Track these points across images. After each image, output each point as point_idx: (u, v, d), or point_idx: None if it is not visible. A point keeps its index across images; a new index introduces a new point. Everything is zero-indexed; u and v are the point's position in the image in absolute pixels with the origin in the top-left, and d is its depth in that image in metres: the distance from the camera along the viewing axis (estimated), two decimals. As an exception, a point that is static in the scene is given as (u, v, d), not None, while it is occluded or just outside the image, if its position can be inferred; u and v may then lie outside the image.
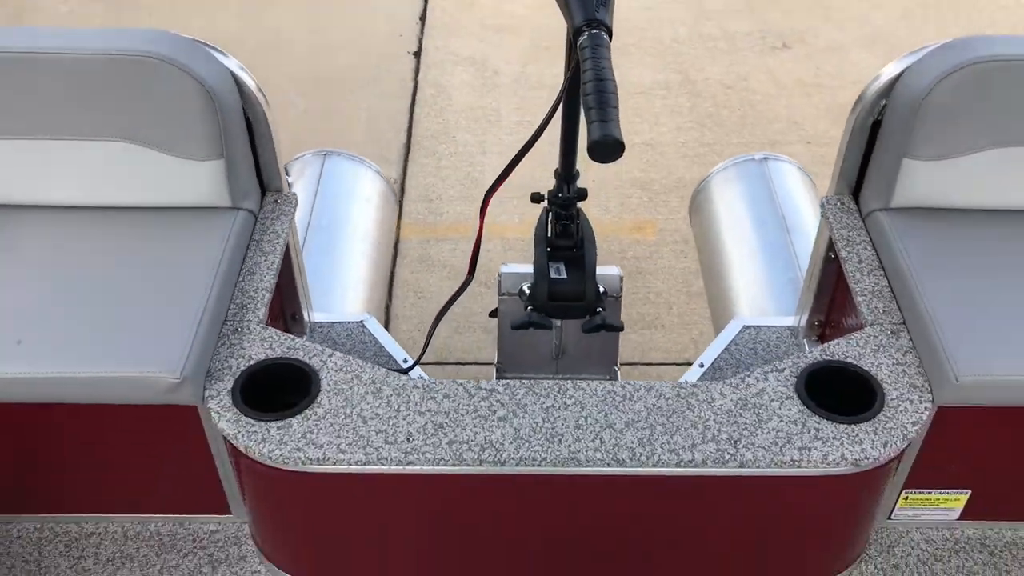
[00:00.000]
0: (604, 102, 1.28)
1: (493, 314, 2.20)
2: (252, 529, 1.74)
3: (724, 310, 2.29)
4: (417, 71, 4.66)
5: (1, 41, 1.63)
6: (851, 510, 1.57)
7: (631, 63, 4.72)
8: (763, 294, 2.26)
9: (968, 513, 1.76)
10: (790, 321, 2.12)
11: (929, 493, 1.72)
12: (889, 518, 1.77)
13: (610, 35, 1.39)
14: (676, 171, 4.06)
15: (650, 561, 1.64)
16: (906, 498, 1.73)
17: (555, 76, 4.62)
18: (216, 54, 1.73)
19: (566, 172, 1.80)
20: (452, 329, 3.27)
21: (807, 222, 2.40)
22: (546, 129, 1.55)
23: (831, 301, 1.99)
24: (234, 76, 1.73)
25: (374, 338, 2.08)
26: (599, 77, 1.31)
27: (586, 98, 1.30)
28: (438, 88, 4.53)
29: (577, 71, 1.49)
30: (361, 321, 2.09)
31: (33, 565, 1.73)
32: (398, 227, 3.78)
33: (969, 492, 1.72)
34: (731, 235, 2.42)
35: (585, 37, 1.37)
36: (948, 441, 1.61)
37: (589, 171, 4.01)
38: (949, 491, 1.71)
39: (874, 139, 1.81)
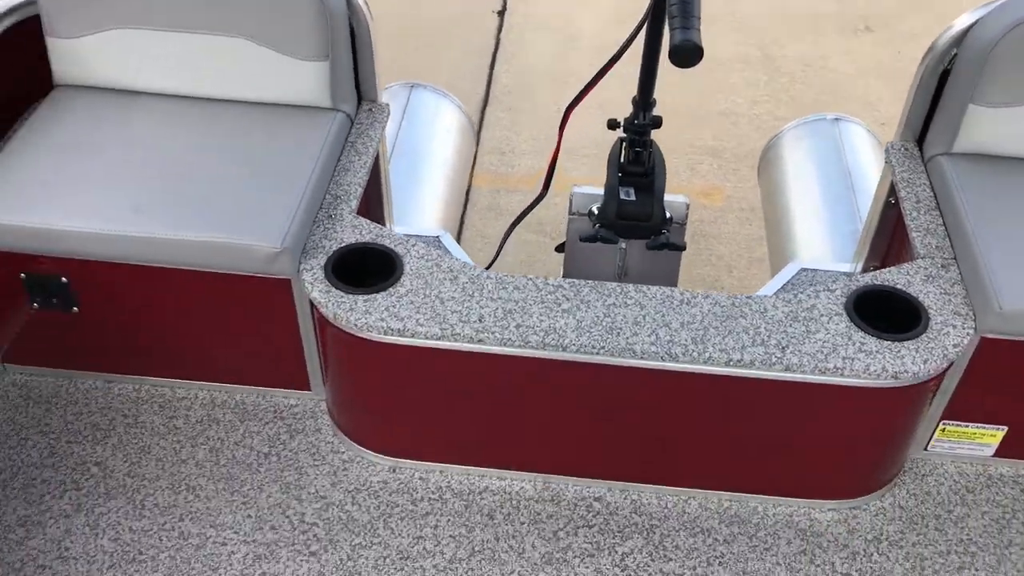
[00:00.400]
0: (688, 11, 1.38)
1: (559, 248, 2.31)
2: (329, 403, 1.88)
3: (783, 256, 2.38)
4: (500, 29, 4.77)
5: None
6: (888, 425, 1.66)
7: (711, 36, 4.77)
8: (823, 243, 2.33)
9: (1003, 451, 1.83)
10: (847, 268, 2.20)
11: (966, 426, 1.79)
12: (925, 449, 1.85)
13: None
14: (748, 142, 4.12)
15: (693, 455, 1.74)
16: (943, 430, 1.80)
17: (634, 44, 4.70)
18: None
19: (643, 99, 1.90)
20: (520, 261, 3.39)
21: (872, 184, 2.47)
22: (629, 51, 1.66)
23: (888, 248, 2.07)
24: None
25: (448, 252, 2.21)
26: None
27: (671, 8, 1.40)
28: (519, 47, 4.64)
29: None
30: (437, 236, 2.22)
31: (131, 419, 1.90)
32: (470, 175, 3.91)
33: (1006, 429, 1.79)
34: (796, 188, 2.50)
35: None
36: (989, 373, 1.69)
37: (662, 132, 4.10)
38: (986, 426, 1.79)
39: (941, 89, 1.88)
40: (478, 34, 4.72)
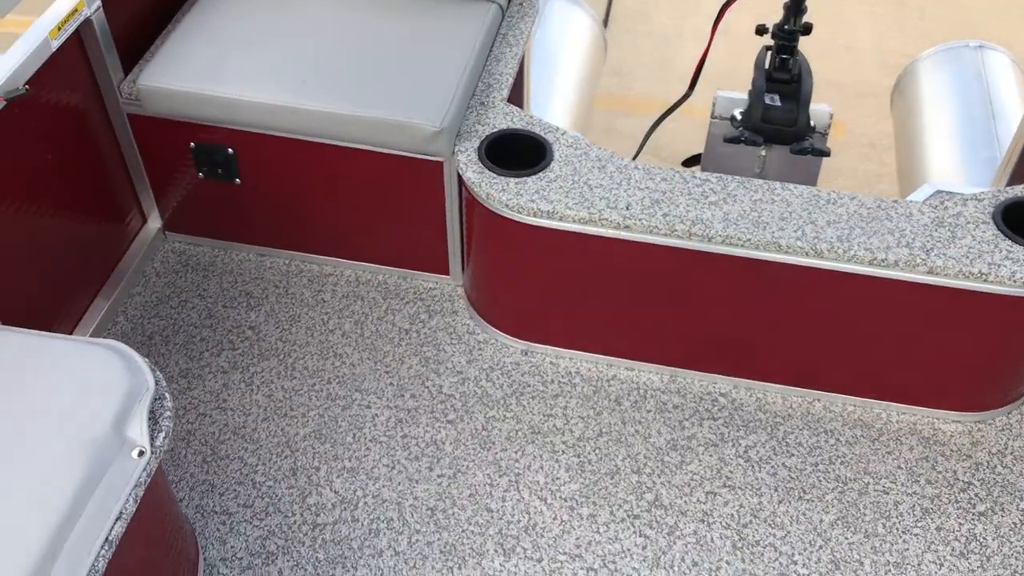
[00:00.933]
0: None
1: (688, 162, 2.33)
2: (467, 287, 1.97)
3: (915, 180, 2.36)
4: (622, -48, 4.73)
5: None
6: None
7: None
8: (958, 168, 2.31)
9: None
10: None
11: None
12: None
13: None
14: (873, 77, 4.03)
15: (823, 358, 1.78)
16: None
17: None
18: None
19: (796, 3, 1.91)
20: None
21: (1014, 111, 2.42)
22: None
23: None
24: None
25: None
26: None
27: None
28: (642, -30, 4.60)
29: None
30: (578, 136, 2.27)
31: (282, 290, 2.02)
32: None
33: None
34: (933, 112, 2.47)
35: None
36: None
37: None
38: None
39: None
40: (601, -45, 4.68)
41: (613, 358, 1.89)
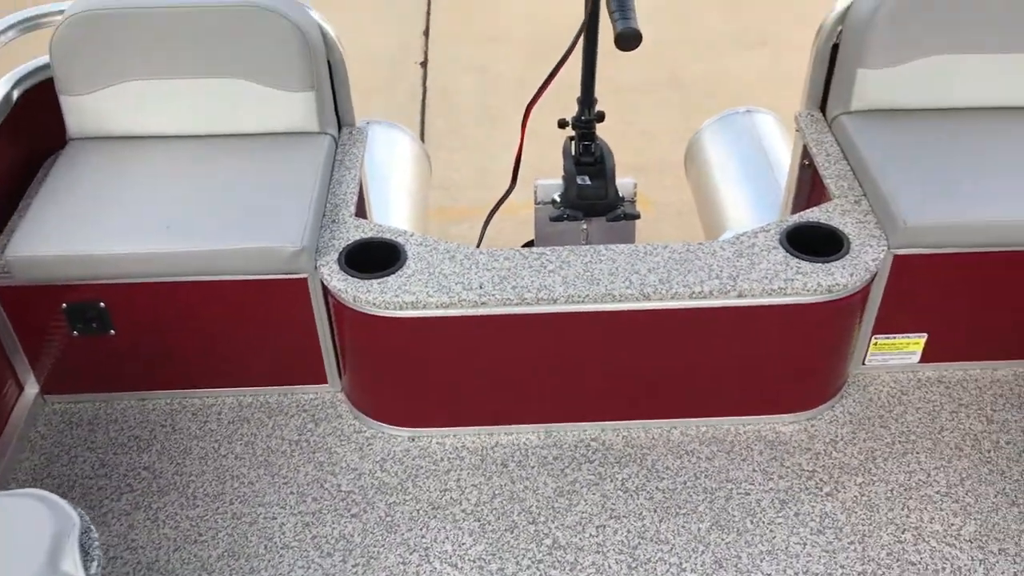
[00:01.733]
0: (624, 4, 1.70)
1: (525, 247, 2.56)
2: (347, 390, 2.12)
3: (716, 229, 2.71)
4: (425, 78, 5.10)
5: (140, 0, 2.06)
6: (829, 336, 1.97)
7: (623, 63, 5.19)
8: (751, 216, 2.67)
9: (927, 356, 2.16)
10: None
11: (893, 338, 2.12)
12: (864, 364, 2.17)
13: None
14: (668, 155, 4.50)
15: (669, 388, 2.02)
16: (876, 343, 2.13)
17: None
18: (307, 8, 2.15)
19: (587, 97, 2.22)
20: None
21: (785, 160, 2.82)
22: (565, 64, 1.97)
23: (807, 202, 2.41)
24: (320, 27, 2.16)
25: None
26: None
27: (610, 5, 1.72)
28: (446, 92, 4.97)
29: (596, 6, 1.92)
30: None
31: (169, 428, 2.11)
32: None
33: (926, 335, 2.12)
34: (721, 173, 2.84)
35: None
36: (904, 287, 2.02)
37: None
38: (909, 335, 2.12)
39: (834, 60, 2.24)
40: (405, 84, 5.04)
41: (493, 426, 2.08)
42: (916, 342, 2.12)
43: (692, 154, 3.09)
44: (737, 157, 2.87)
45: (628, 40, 1.67)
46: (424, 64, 5.23)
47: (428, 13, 5.72)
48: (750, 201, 2.70)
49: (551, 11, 5.76)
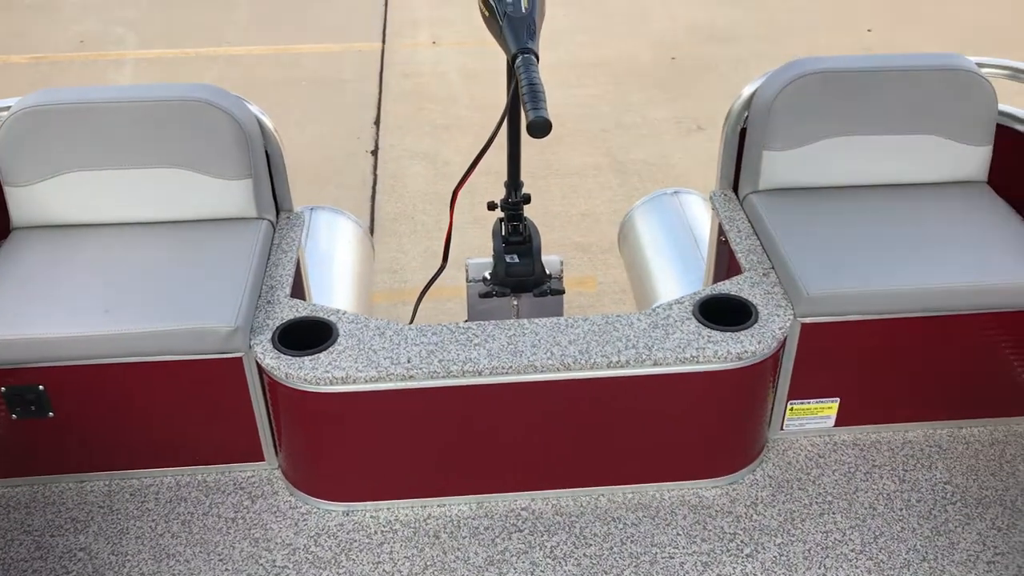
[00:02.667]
0: (536, 95, 1.83)
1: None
2: (283, 467, 2.17)
3: (647, 302, 2.82)
4: (376, 166, 5.25)
5: (83, 95, 2.16)
6: (743, 401, 2.06)
7: (566, 149, 5.38)
8: (676, 289, 2.79)
9: (841, 420, 2.26)
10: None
11: (808, 403, 2.22)
12: (782, 429, 2.26)
13: (537, 59, 1.96)
14: (610, 235, 4.65)
15: (594, 456, 2.10)
16: (791, 409, 2.23)
17: (497, 164, 5.26)
18: (245, 102, 2.27)
19: (513, 181, 2.34)
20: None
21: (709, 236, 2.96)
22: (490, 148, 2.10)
23: (726, 274, 2.53)
24: (257, 118, 2.27)
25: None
26: (531, 81, 1.86)
27: (523, 95, 1.85)
28: (396, 179, 5.11)
29: (516, 93, 2.05)
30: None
31: (107, 509, 2.14)
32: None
33: (838, 400, 2.22)
34: (650, 248, 2.97)
35: (519, 60, 1.94)
36: (813, 354, 2.13)
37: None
38: (823, 400, 2.22)
39: (743, 143, 2.39)
40: (357, 171, 5.18)
41: (425, 499, 2.14)
42: (830, 407, 2.23)
43: (624, 232, 3.22)
44: (665, 235, 3.01)
45: (538, 128, 1.79)
46: (375, 152, 5.38)
47: (379, 104, 5.91)
48: (677, 275, 2.82)
49: (500, 99, 5.97)
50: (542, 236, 4.61)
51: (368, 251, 3.14)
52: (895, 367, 2.18)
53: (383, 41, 6.76)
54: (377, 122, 5.69)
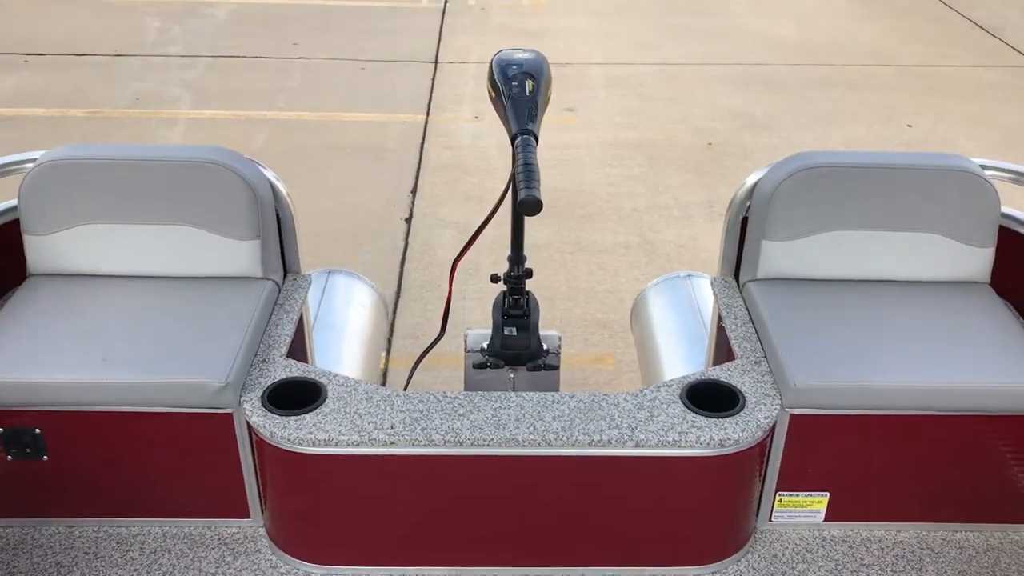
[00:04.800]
0: (530, 175, 1.88)
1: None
2: (267, 524, 2.19)
3: (651, 382, 2.82)
4: (408, 233, 5.34)
5: (105, 152, 2.26)
6: (726, 489, 2.04)
7: (597, 226, 5.43)
8: (680, 370, 2.79)
9: (831, 515, 2.22)
10: None
11: (797, 495, 2.19)
12: (770, 520, 2.23)
13: (536, 140, 2.01)
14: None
15: (575, 535, 2.08)
16: (780, 500, 2.20)
17: (528, 236, 5.31)
18: (259, 166, 2.35)
19: (516, 255, 2.38)
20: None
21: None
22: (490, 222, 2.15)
23: (723, 362, 2.52)
24: (271, 183, 2.35)
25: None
26: (527, 161, 1.91)
27: (517, 175, 1.90)
28: (426, 247, 5.20)
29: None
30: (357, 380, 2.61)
31: (92, 555, 2.17)
32: (387, 359, 4.33)
33: (828, 495, 2.19)
34: (660, 328, 2.98)
35: (519, 140, 1.99)
36: (803, 446, 2.11)
37: (556, 312, 4.63)
38: (812, 493, 2.19)
39: (744, 232, 2.41)
40: (389, 237, 5.27)
41: (406, 567, 2.13)
42: (819, 500, 2.20)
43: (636, 312, 3.24)
44: (674, 317, 3.01)
45: (529, 207, 1.84)
46: (409, 220, 5.48)
47: (418, 173, 6.03)
48: (682, 358, 2.83)
49: (533, 175, 6.04)
50: (565, 311, 4.64)
51: (381, 316, 3.19)
52: (888, 465, 2.15)
53: (427, 114, 6.92)
54: (414, 191, 5.81)
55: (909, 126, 6.86)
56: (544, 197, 5.76)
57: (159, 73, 7.49)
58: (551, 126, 6.74)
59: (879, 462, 2.14)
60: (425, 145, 6.43)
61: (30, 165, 2.30)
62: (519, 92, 2.07)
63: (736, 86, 7.52)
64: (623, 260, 5.10)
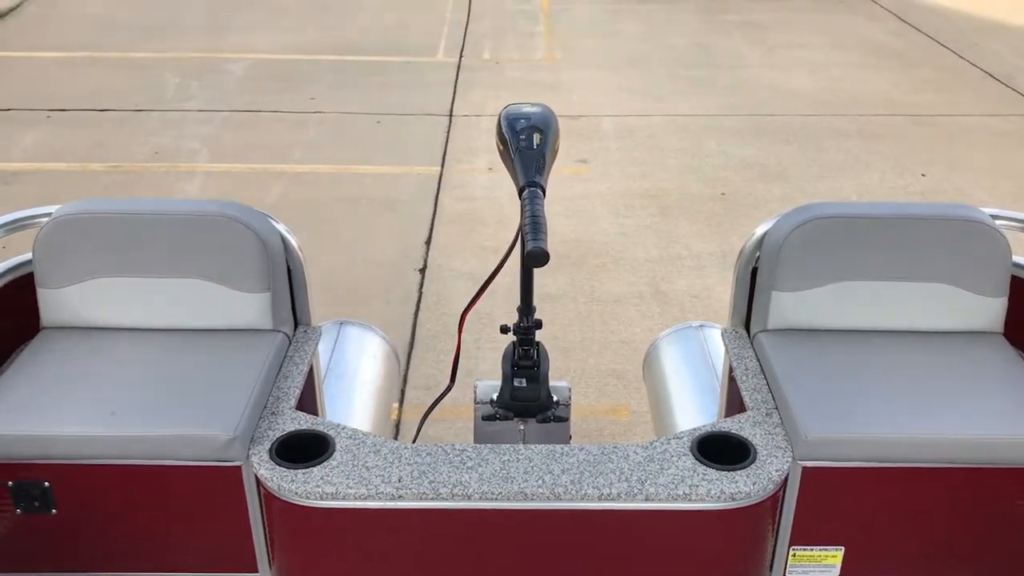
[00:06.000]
0: (536, 227, 1.89)
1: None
2: None
3: (663, 433, 2.80)
4: (422, 284, 5.36)
5: (118, 206, 2.29)
6: (737, 543, 2.01)
7: (610, 276, 5.43)
8: (693, 421, 2.77)
9: (846, 570, 2.18)
10: None
11: (811, 550, 2.15)
12: (784, 575, 2.19)
13: (544, 192, 2.03)
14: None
15: None
16: (794, 555, 2.16)
17: (542, 287, 5.32)
18: (270, 219, 2.37)
19: (525, 306, 2.38)
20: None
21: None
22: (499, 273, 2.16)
23: (735, 414, 2.50)
24: (282, 235, 2.37)
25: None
26: (534, 213, 1.93)
27: (524, 227, 1.91)
28: (440, 297, 5.21)
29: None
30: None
31: None
32: (400, 409, 4.32)
33: (843, 549, 2.15)
34: (672, 378, 2.97)
35: (526, 193, 2.01)
36: (816, 499, 2.08)
37: (571, 362, 4.62)
38: (826, 547, 2.15)
39: (754, 283, 2.40)
40: (403, 288, 5.29)
41: None
42: (834, 555, 2.16)
43: (648, 362, 3.23)
44: (686, 367, 3.00)
45: (535, 258, 1.84)
46: (423, 271, 5.50)
47: (432, 224, 6.07)
48: (695, 408, 2.81)
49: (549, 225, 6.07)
50: (579, 361, 4.63)
51: (393, 366, 3.19)
52: (904, 518, 2.12)
53: (442, 165, 6.98)
54: (428, 242, 5.84)
55: (923, 175, 6.87)
56: (558, 247, 5.77)
57: (178, 128, 7.60)
58: (565, 177, 6.79)
59: (894, 515, 2.11)
60: (440, 196, 6.48)
61: (45, 219, 2.33)
62: (527, 145, 2.09)
63: (749, 137, 7.56)
64: (636, 310, 5.10)
